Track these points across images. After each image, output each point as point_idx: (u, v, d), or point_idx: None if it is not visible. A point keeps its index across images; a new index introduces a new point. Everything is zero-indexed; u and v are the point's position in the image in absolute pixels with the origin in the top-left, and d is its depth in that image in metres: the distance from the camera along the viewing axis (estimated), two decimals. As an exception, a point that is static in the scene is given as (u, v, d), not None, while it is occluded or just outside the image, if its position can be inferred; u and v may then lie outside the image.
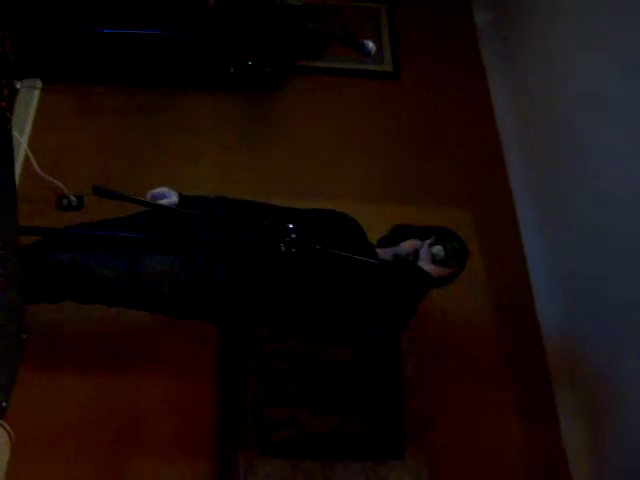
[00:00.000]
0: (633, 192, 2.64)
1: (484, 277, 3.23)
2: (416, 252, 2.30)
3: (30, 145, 3.22)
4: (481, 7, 4.36)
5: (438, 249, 2.24)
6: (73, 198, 3.15)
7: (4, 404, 1.58)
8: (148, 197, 2.35)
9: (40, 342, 2.62)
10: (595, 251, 2.93)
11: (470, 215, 3.39)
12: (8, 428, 1.57)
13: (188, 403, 2.78)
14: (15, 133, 3.09)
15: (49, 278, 2.26)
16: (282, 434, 2.64)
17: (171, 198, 2.36)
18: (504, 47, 4.03)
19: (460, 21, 4.30)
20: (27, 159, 3.03)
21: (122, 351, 2.83)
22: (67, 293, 2.33)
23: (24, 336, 1.70)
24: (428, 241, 2.29)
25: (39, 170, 2.98)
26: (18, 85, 3.47)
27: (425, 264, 2.26)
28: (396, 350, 2.79)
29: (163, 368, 2.83)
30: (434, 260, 2.25)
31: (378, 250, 2.37)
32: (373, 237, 2.43)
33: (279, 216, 2.31)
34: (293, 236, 1.98)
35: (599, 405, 2.83)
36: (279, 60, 3.72)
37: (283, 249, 2.00)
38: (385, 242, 2.42)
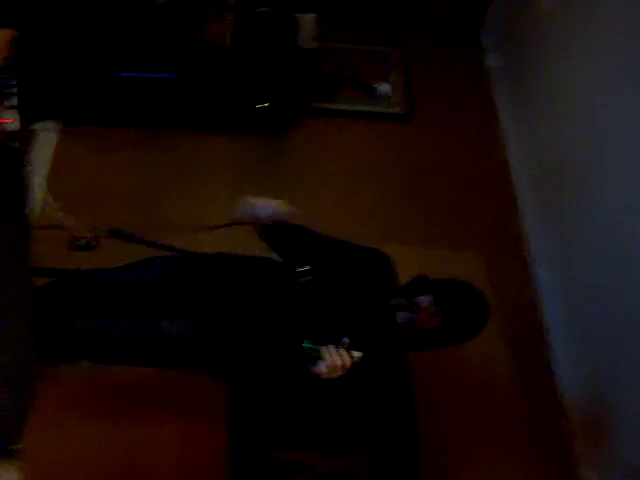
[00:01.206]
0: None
1: (498, 331, 3.10)
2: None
3: (46, 185, 3.25)
4: (493, 51, 4.44)
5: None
6: (88, 239, 3.17)
7: (16, 446, 1.58)
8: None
9: (53, 384, 2.62)
10: (616, 309, 2.77)
11: (482, 259, 3.38)
12: (20, 469, 1.57)
13: (198, 446, 2.75)
14: (32, 173, 3.13)
15: (66, 346, 2.31)
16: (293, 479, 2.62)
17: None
18: (516, 90, 4.07)
19: (472, 65, 4.38)
20: (43, 199, 3.06)
21: (133, 394, 2.82)
22: (84, 356, 2.37)
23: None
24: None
25: (54, 210, 3.01)
26: (36, 127, 3.53)
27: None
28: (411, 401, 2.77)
29: (174, 412, 2.81)
30: None
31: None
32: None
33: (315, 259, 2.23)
34: (309, 278, 1.98)
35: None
36: (293, 102, 3.77)
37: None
38: (404, 293, 2.32)
